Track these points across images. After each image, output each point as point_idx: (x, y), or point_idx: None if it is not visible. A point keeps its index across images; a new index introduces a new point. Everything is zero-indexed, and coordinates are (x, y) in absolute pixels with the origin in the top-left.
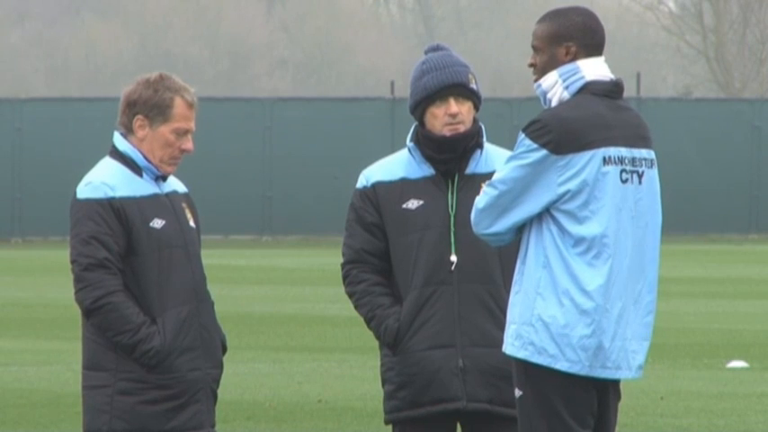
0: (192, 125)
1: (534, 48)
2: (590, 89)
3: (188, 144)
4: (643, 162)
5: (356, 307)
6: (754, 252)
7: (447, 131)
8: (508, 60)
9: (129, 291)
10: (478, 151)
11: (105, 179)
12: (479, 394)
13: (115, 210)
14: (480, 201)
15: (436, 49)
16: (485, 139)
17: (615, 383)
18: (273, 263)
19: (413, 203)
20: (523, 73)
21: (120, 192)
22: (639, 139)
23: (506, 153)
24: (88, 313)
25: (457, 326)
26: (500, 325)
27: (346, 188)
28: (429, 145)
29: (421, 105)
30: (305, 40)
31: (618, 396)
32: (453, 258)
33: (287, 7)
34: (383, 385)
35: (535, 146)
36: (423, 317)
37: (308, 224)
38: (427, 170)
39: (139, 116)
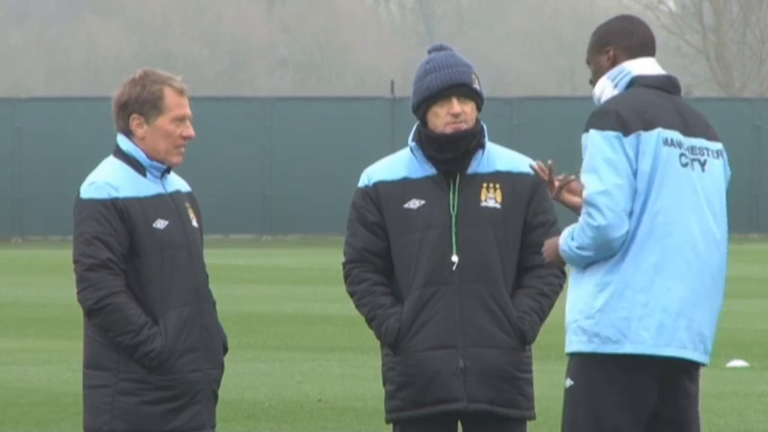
0: (188, 111)
1: (587, 63)
2: (640, 82)
3: (188, 130)
4: (705, 151)
5: (357, 306)
6: (754, 252)
7: (448, 129)
8: (508, 60)
9: (131, 291)
10: (480, 151)
11: (109, 179)
12: (480, 395)
13: (118, 210)
14: (604, 213)
15: (439, 48)
16: (487, 138)
17: (689, 372)
18: (273, 262)
19: (414, 203)
20: (523, 73)
21: (124, 192)
22: (696, 130)
23: (508, 152)
24: (90, 313)
25: (458, 326)
26: (501, 325)
27: (346, 187)
28: (431, 144)
29: (423, 105)
30: (305, 40)
31: (694, 382)
32: (455, 258)
33: (287, 7)
34: (384, 385)
35: (608, 133)
36: (424, 317)
37: (308, 224)
38: (429, 170)
39: (134, 115)
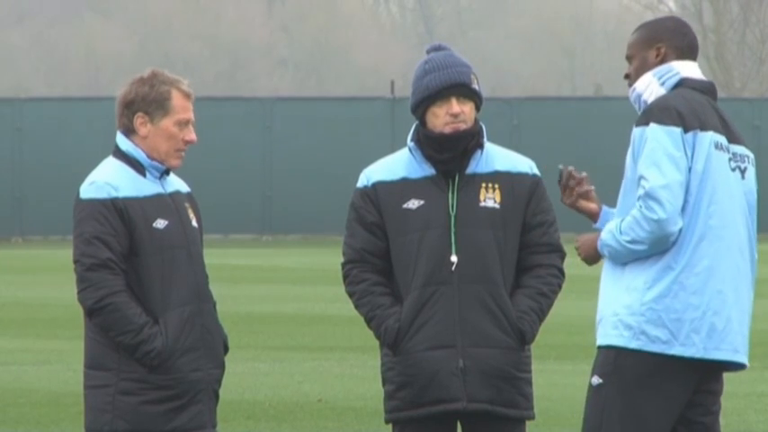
0: (192, 115)
1: (627, 58)
2: (688, 84)
3: (191, 135)
4: (746, 158)
5: (356, 307)
6: None
7: (447, 129)
8: (508, 60)
9: (131, 291)
10: (479, 151)
11: (109, 179)
12: (479, 395)
13: (118, 210)
14: (665, 206)
15: (438, 48)
16: (485, 138)
17: (718, 374)
18: (273, 263)
19: (413, 203)
20: (523, 73)
21: (124, 192)
22: (736, 136)
23: (507, 152)
24: (91, 313)
25: (457, 326)
26: (500, 325)
27: (346, 188)
28: (430, 144)
29: (422, 105)
30: (305, 40)
31: (718, 382)
32: (454, 258)
33: (287, 7)
34: (384, 385)
35: (672, 128)
36: (423, 317)
37: (308, 224)
38: (428, 170)
39: (140, 114)
